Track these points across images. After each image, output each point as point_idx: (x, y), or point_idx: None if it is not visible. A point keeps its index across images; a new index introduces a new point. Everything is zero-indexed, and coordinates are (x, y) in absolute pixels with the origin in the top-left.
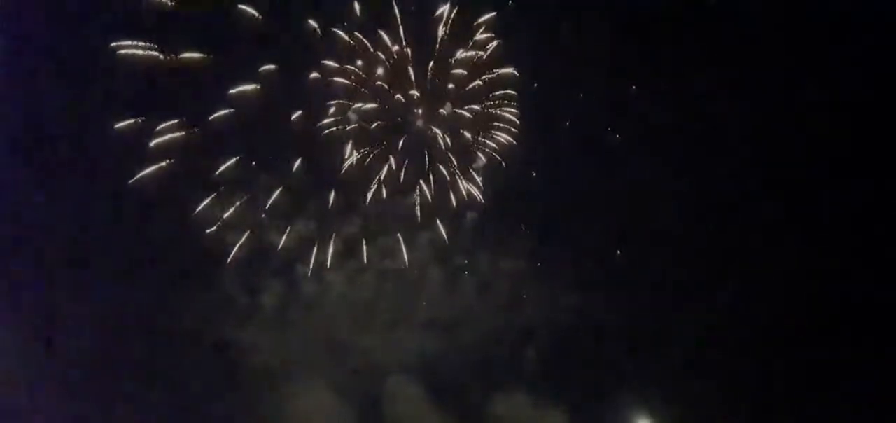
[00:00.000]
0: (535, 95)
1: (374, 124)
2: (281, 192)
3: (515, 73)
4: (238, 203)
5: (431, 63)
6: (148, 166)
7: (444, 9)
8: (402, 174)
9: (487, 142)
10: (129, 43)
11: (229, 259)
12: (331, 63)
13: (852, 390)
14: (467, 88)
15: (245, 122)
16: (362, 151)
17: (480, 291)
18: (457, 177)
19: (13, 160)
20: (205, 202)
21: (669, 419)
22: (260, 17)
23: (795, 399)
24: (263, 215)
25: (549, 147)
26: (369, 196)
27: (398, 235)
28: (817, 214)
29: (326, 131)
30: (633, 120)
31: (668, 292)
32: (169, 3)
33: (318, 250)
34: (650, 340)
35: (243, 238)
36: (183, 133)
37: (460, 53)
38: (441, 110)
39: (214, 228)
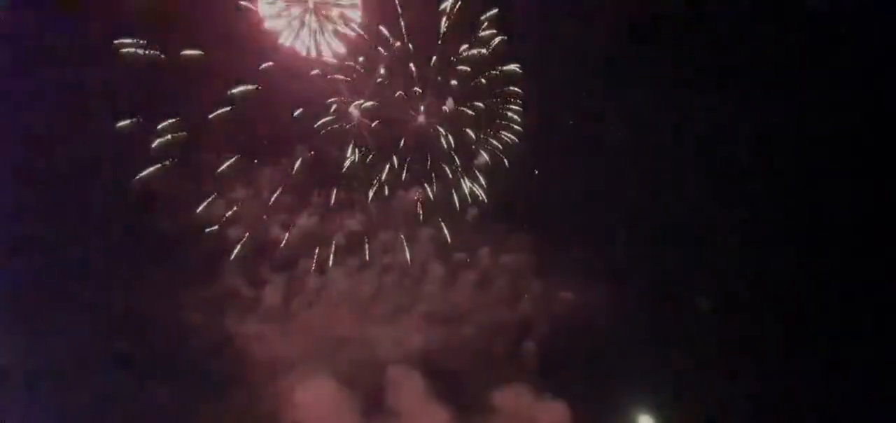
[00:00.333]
0: (538, 91)
1: (375, 122)
2: (282, 190)
3: (518, 69)
4: (240, 202)
5: (434, 59)
6: (149, 167)
7: (447, 3)
8: (404, 172)
9: (490, 140)
10: (129, 42)
11: (232, 256)
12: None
13: (852, 390)
14: (470, 85)
15: (245, 121)
16: (364, 148)
17: (481, 285)
18: (459, 175)
19: (13, 160)
20: (206, 201)
21: (669, 417)
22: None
23: (795, 399)
24: (264, 217)
25: (551, 145)
26: (371, 194)
27: (400, 232)
28: (818, 214)
29: (326, 130)
30: (635, 120)
31: (668, 291)
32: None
33: (320, 246)
34: (650, 338)
35: (245, 237)
36: (183, 133)
37: (463, 50)
38: (444, 107)
39: (216, 227)
